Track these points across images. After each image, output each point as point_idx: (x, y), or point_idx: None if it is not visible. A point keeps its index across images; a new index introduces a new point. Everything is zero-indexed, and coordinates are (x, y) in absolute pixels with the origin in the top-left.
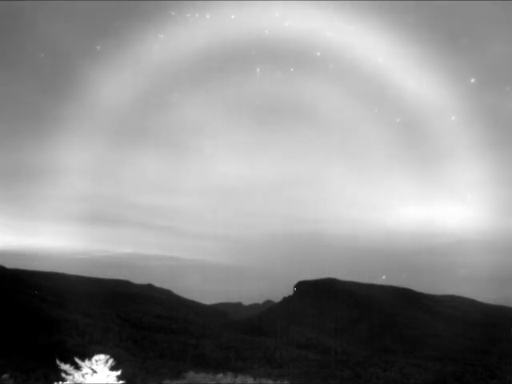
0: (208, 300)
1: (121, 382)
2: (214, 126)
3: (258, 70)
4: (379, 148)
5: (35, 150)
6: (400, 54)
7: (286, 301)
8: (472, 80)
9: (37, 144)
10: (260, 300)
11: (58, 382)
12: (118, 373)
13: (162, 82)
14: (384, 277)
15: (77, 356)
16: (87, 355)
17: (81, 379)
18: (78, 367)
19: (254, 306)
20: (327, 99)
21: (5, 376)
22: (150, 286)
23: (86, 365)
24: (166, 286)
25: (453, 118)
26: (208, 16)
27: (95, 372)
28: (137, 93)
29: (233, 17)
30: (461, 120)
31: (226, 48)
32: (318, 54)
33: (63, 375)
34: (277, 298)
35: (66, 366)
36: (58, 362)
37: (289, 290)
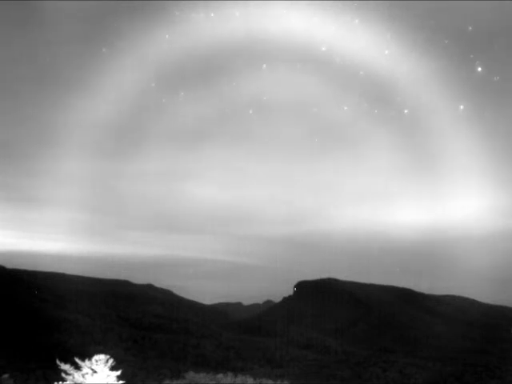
0: (208, 300)
1: (121, 382)
2: (221, 124)
3: (264, 66)
4: (380, 147)
5: (38, 155)
6: (407, 45)
7: (286, 301)
8: (479, 69)
9: (44, 151)
10: (260, 300)
11: (58, 382)
12: (118, 373)
13: (170, 81)
14: (398, 269)
15: (77, 356)
16: (87, 355)
17: (81, 379)
18: (78, 367)
19: (254, 306)
20: (333, 94)
21: (5, 376)
22: (150, 286)
23: (86, 365)
24: (165, 285)
25: (461, 107)
26: (212, 15)
27: (95, 372)
28: (143, 93)
29: (237, 14)
30: (465, 115)
31: (232, 45)
32: (324, 48)
33: (63, 375)
34: (277, 297)
35: (66, 366)
36: (58, 361)
37: (289, 290)
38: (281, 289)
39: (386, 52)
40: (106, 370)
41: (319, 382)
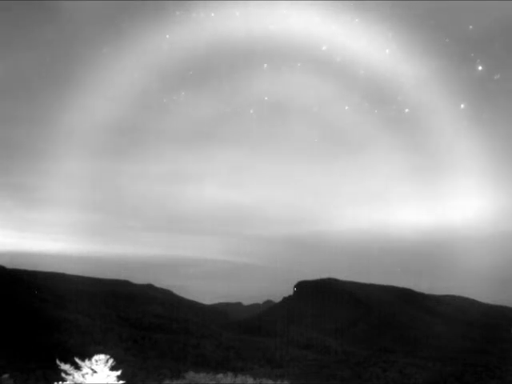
0: (208, 300)
1: (121, 382)
2: (221, 124)
3: (265, 65)
4: (381, 147)
5: (38, 155)
6: (408, 44)
7: (286, 301)
8: (480, 67)
9: (44, 151)
10: (260, 300)
11: (58, 382)
12: (118, 373)
13: (171, 81)
14: (399, 269)
15: (77, 356)
16: (87, 355)
17: (81, 379)
18: (78, 367)
19: (254, 306)
20: (333, 94)
21: (5, 376)
22: (150, 286)
23: (86, 365)
24: (165, 285)
25: (462, 105)
26: (213, 14)
27: (95, 372)
28: (144, 93)
29: (238, 14)
30: (465, 114)
31: (233, 45)
32: (324, 48)
33: (63, 375)
34: (277, 297)
35: (66, 366)
36: (58, 361)
37: (289, 290)
38: (281, 289)
39: (387, 51)
40: (106, 370)
41: (319, 382)
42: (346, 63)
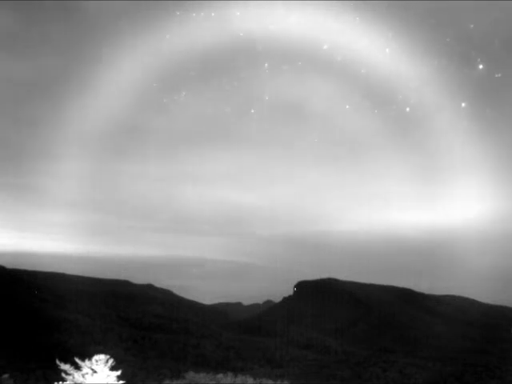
0: (208, 300)
1: (121, 382)
2: (222, 123)
3: (266, 65)
4: (381, 146)
5: (39, 155)
6: (409, 43)
7: (286, 301)
8: (480, 66)
9: (44, 151)
10: (260, 300)
11: (58, 382)
12: (118, 373)
13: (171, 81)
14: (399, 269)
15: (77, 356)
16: (87, 355)
17: (81, 379)
18: (78, 367)
19: (254, 306)
20: (334, 93)
21: (5, 376)
22: (150, 286)
23: (86, 365)
24: (165, 285)
25: (463, 104)
26: (213, 14)
27: (95, 372)
28: (145, 93)
29: (238, 14)
30: (467, 113)
31: (233, 45)
32: (325, 47)
33: (63, 375)
34: (277, 297)
35: (66, 366)
36: (57, 362)
37: (289, 290)
38: (281, 289)
39: (388, 50)
40: (106, 370)
41: (319, 382)
42: (347, 62)
